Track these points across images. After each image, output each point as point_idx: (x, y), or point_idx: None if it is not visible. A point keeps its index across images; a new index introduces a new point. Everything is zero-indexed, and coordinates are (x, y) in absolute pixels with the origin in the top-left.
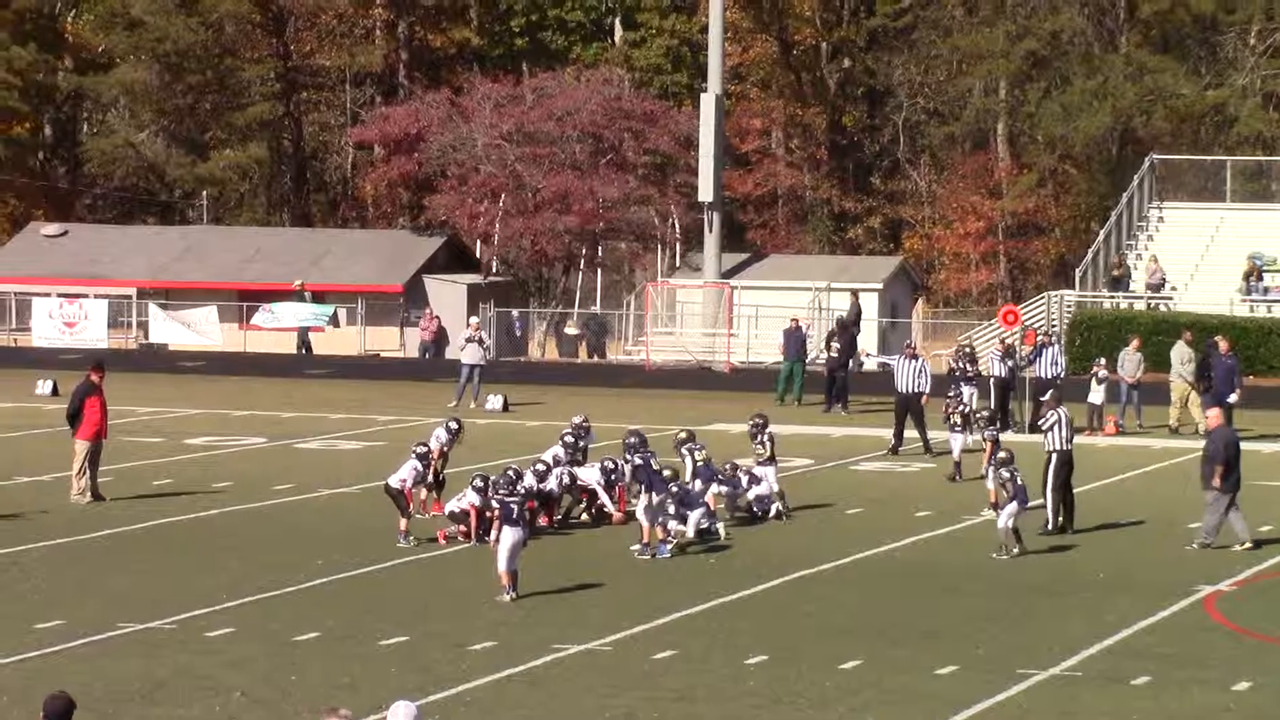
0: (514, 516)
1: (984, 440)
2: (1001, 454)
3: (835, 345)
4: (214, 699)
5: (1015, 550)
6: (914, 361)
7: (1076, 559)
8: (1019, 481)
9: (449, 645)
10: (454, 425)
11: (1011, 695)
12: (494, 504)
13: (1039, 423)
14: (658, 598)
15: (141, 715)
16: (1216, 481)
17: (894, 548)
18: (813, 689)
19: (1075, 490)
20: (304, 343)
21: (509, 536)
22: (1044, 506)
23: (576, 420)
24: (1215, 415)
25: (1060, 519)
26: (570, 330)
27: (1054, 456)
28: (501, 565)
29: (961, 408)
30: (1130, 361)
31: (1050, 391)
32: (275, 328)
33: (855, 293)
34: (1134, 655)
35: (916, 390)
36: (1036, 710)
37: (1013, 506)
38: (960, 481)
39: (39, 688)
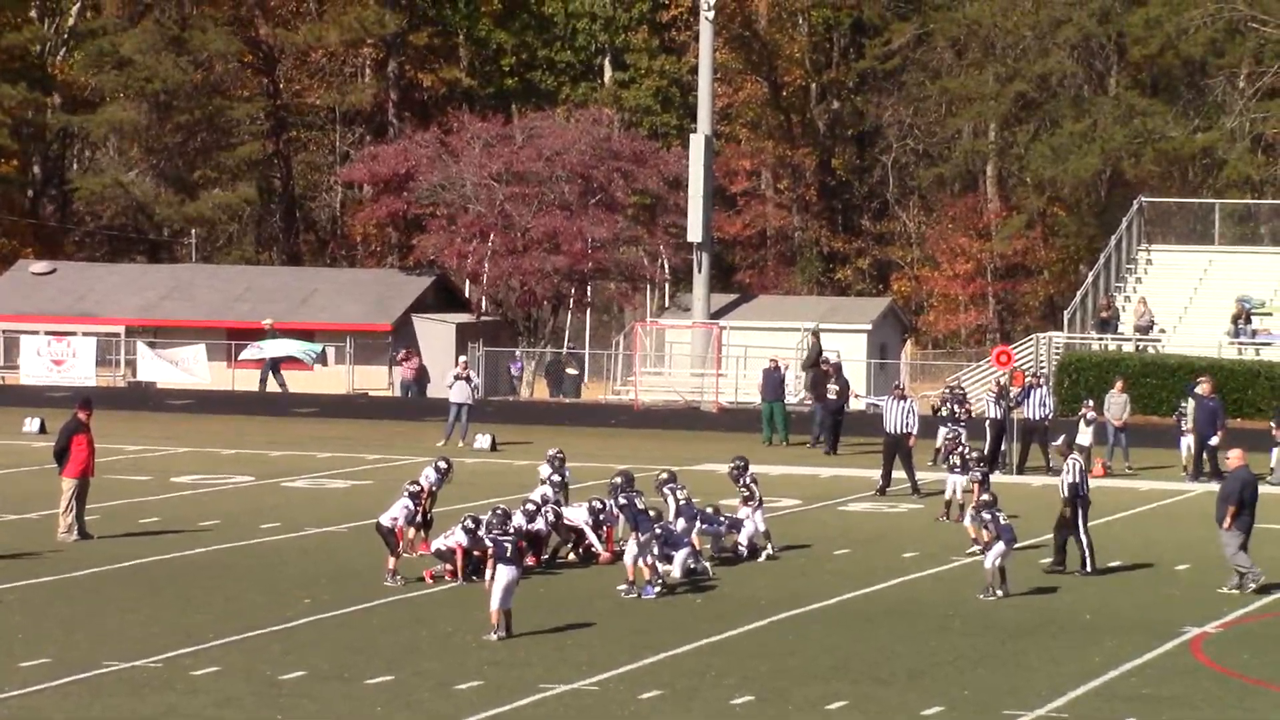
0: (508, 555)
1: (970, 482)
2: (985, 497)
3: (833, 386)
4: None
5: (1000, 591)
6: (902, 402)
7: (1064, 600)
8: (1002, 522)
9: (436, 684)
10: (443, 464)
11: None
12: (487, 543)
13: (1059, 471)
14: (645, 638)
15: None
16: (1227, 523)
17: (882, 588)
18: None
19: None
20: (265, 377)
21: (504, 575)
22: (1040, 546)
23: (551, 452)
24: (1237, 455)
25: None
26: (571, 370)
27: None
28: (495, 604)
29: (960, 449)
30: (1116, 404)
31: (1063, 437)
32: (263, 360)
33: (815, 332)
34: (1120, 697)
35: (905, 431)
36: None
37: (1000, 547)
38: (947, 521)
39: None
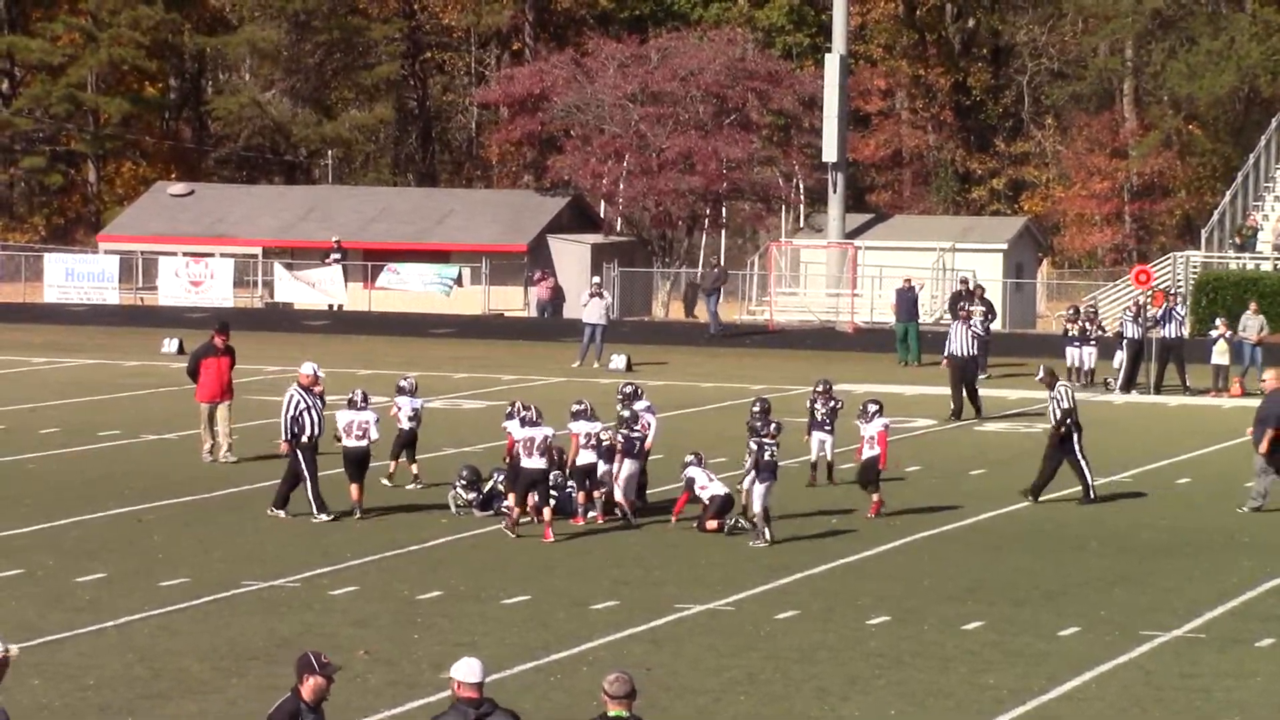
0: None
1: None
2: (772, 428)
3: (978, 309)
4: (338, 657)
5: (767, 535)
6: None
7: (1200, 521)
8: (767, 456)
9: (571, 604)
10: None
11: (1134, 657)
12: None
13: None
14: (779, 558)
15: (265, 673)
16: (1263, 447)
17: (1017, 509)
18: (935, 650)
19: (1200, 451)
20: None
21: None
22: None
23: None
24: (1274, 376)
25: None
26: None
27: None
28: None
29: (833, 404)
30: (1252, 324)
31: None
32: (400, 288)
33: (717, 261)
34: (1258, 617)
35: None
36: (1159, 672)
37: (761, 487)
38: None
39: (163, 644)
